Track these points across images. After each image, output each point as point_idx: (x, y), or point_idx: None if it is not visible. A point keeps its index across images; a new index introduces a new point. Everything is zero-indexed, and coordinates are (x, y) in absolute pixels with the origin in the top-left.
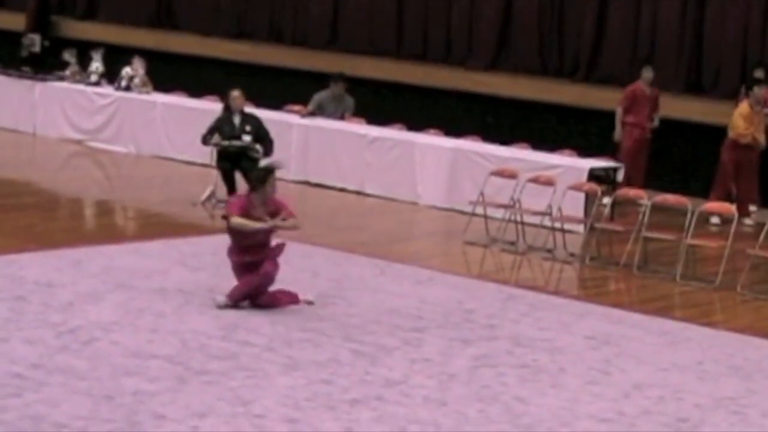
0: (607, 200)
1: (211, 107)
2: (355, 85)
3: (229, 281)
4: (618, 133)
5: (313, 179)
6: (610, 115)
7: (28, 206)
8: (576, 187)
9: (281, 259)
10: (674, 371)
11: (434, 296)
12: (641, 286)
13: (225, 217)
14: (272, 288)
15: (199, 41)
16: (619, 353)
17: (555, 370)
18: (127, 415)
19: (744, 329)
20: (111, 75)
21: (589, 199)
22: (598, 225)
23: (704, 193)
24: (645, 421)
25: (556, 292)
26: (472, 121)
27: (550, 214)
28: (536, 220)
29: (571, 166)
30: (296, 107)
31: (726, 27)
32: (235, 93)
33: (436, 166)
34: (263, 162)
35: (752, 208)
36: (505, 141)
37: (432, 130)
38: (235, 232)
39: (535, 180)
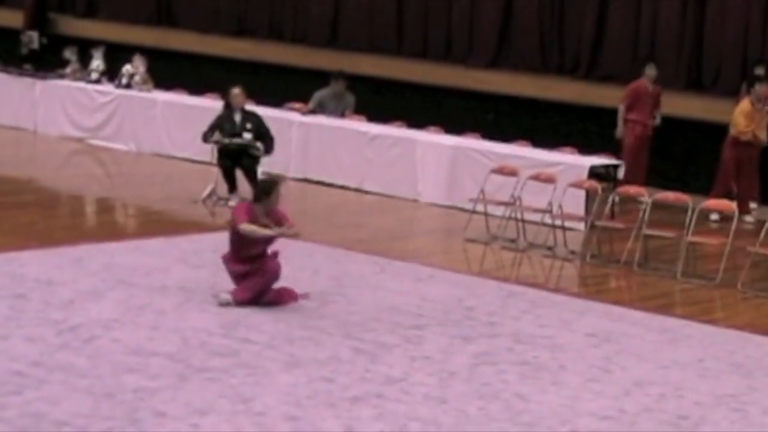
0: (613, 198)
1: (211, 105)
2: (356, 83)
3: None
4: (620, 130)
5: (314, 177)
6: (610, 113)
7: (29, 204)
8: (576, 185)
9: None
10: (675, 368)
11: (435, 293)
12: (642, 284)
13: (233, 225)
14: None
15: (200, 39)
16: (620, 350)
17: (555, 368)
18: (127, 413)
19: (744, 326)
20: (112, 73)
21: (590, 196)
22: (598, 222)
23: (705, 191)
24: (645, 418)
25: (557, 290)
26: (472, 119)
27: (550, 212)
28: (537, 217)
29: (572, 164)
30: (297, 105)
31: (726, 24)
32: (236, 91)
33: (437, 164)
34: (264, 159)
35: (753, 205)
36: (505, 138)
37: (432, 128)
38: (236, 241)
39: (535, 177)
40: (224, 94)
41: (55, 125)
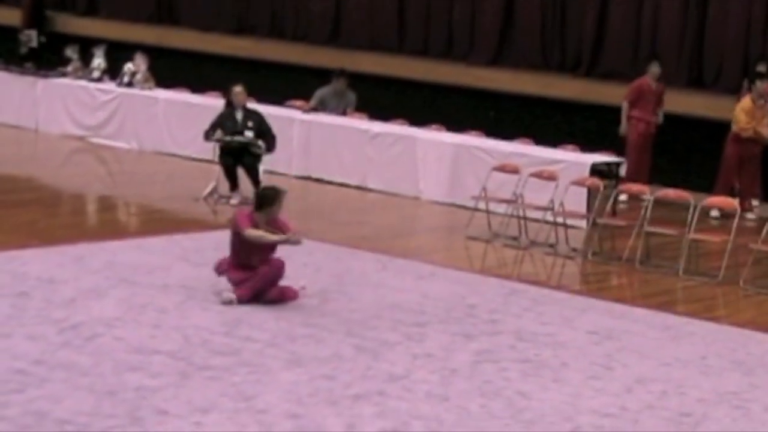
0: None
1: (213, 103)
2: (357, 81)
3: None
4: (624, 127)
5: (315, 174)
6: (612, 110)
7: (30, 202)
8: (578, 182)
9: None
10: (677, 366)
11: (436, 291)
12: (644, 281)
13: (235, 230)
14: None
15: (201, 37)
16: (622, 348)
17: (557, 365)
18: (129, 411)
19: (746, 324)
20: (113, 71)
21: (592, 193)
22: (600, 220)
23: (706, 188)
24: (648, 415)
25: (559, 287)
26: (473, 117)
27: (552, 209)
28: (538, 215)
29: (574, 161)
30: (298, 103)
31: (728, 22)
32: (238, 89)
33: (438, 162)
34: (265, 157)
35: (754, 202)
36: (507, 136)
37: (434, 126)
38: (237, 247)
39: (537, 175)
40: (226, 92)
41: (56, 123)
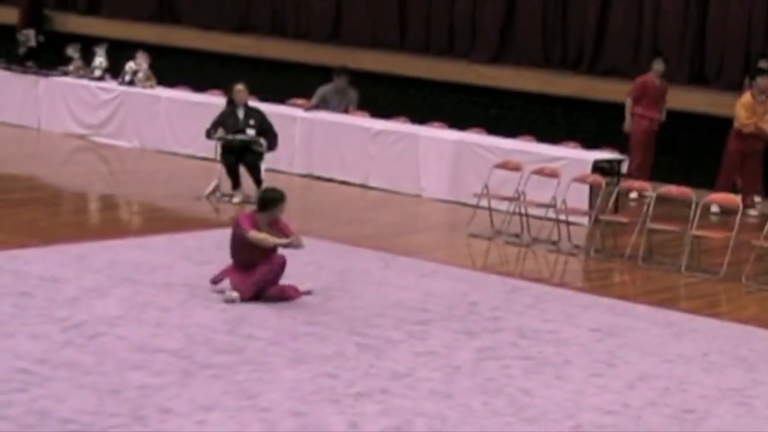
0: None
1: (214, 101)
2: (359, 79)
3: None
4: (628, 124)
5: (317, 172)
6: (613, 107)
7: (32, 201)
8: (580, 179)
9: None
10: (679, 362)
11: (439, 289)
12: (646, 278)
13: (242, 233)
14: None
15: (202, 35)
16: (624, 345)
17: (560, 362)
18: (132, 410)
19: (749, 320)
20: (114, 70)
21: (594, 191)
22: (602, 217)
23: (708, 184)
24: (650, 412)
25: (561, 284)
26: (475, 114)
27: (554, 206)
28: (541, 212)
29: (575, 158)
30: (300, 101)
31: (729, 18)
32: (239, 87)
33: (440, 159)
34: (267, 155)
35: (757, 199)
36: (509, 133)
37: (436, 123)
38: (238, 248)
39: (539, 172)
40: (227, 90)
41: (58, 122)
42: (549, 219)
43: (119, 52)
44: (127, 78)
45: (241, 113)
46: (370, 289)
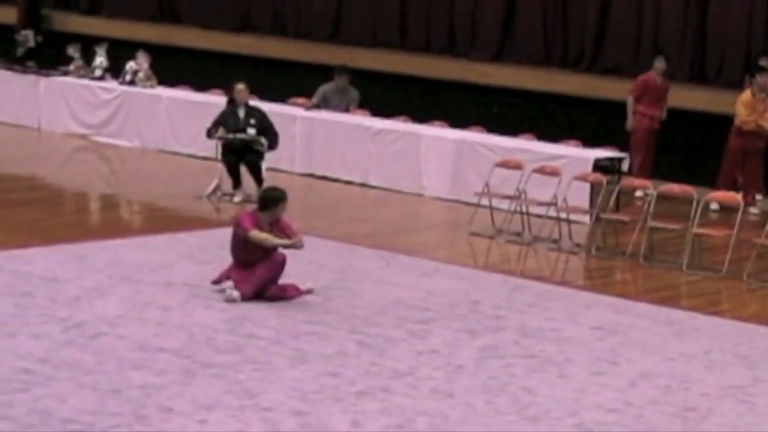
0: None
1: (215, 101)
2: (359, 78)
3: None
4: (630, 122)
5: (318, 172)
6: (614, 105)
7: (33, 201)
8: (581, 178)
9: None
10: (681, 360)
11: (440, 287)
12: (647, 276)
13: (243, 233)
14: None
15: (203, 35)
16: (626, 343)
17: (562, 361)
18: (134, 409)
19: (750, 318)
20: (115, 69)
21: (595, 189)
22: (603, 215)
23: (709, 182)
24: (652, 410)
25: (563, 283)
26: (476, 113)
27: (555, 205)
28: (542, 210)
29: (576, 157)
30: (300, 100)
31: (729, 16)
32: (240, 86)
33: (441, 158)
34: (268, 155)
35: (758, 197)
36: (509, 132)
37: (436, 122)
38: (239, 247)
39: (540, 170)
40: (228, 89)
41: (59, 122)
42: (550, 217)
43: (120, 52)
44: (128, 78)
45: (241, 112)
46: (371, 288)
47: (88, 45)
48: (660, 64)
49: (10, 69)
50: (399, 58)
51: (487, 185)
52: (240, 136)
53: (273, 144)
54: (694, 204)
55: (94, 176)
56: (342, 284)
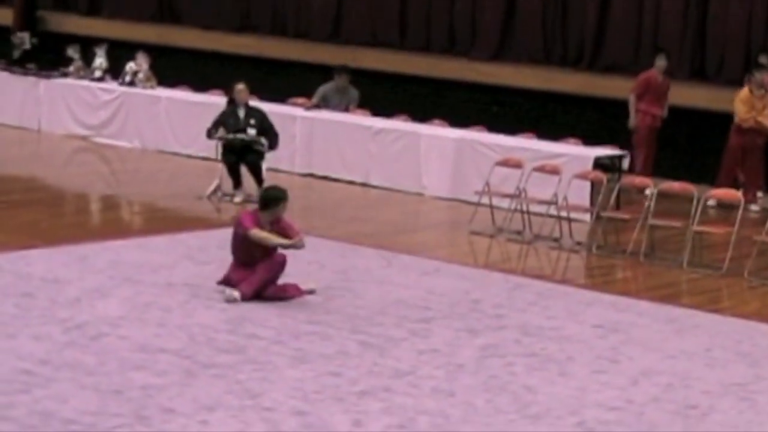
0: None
1: (215, 101)
2: (359, 77)
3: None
4: (633, 120)
5: (318, 171)
6: (614, 104)
7: (34, 202)
8: (582, 176)
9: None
10: (682, 358)
11: (441, 287)
12: (648, 274)
13: (244, 231)
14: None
15: (203, 35)
16: (627, 341)
17: (563, 359)
18: (135, 410)
19: (751, 315)
20: (115, 70)
21: (595, 187)
22: (604, 213)
23: (709, 180)
24: (654, 408)
25: (563, 281)
26: (476, 112)
27: (555, 203)
28: (542, 209)
29: (577, 155)
30: (300, 100)
31: (729, 13)
32: (240, 86)
33: (441, 157)
34: (268, 155)
35: (759, 194)
36: (509, 131)
37: (437, 121)
38: (239, 246)
39: (540, 169)
40: (228, 90)
41: (59, 123)
42: (550, 216)
43: (119, 53)
44: (128, 78)
45: (241, 113)
46: (371, 288)
47: (87, 46)
48: (661, 62)
49: (10, 71)
50: (399, 58)
51: (487, 184)
52: (240, 136)
53: (273, 144)
54: (695, 202)
55: (94, 177)
56: (343, 284)
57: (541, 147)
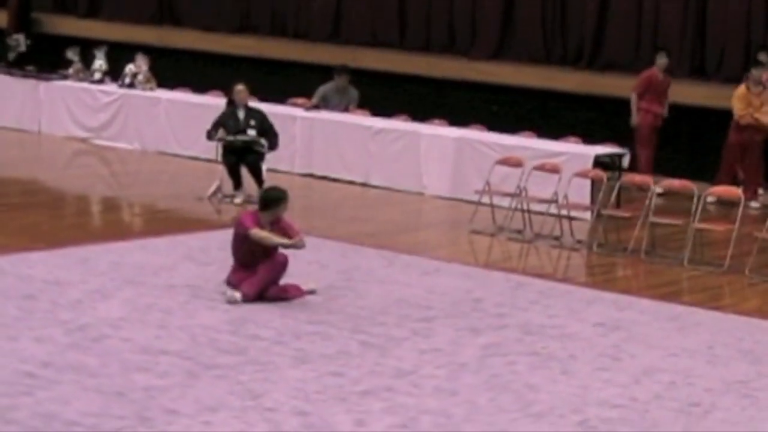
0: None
1: (215, 102)
2: (359, 77)
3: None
4: (635, 118)
5: (318, 172)
6: (614, 102)
7: (35, 205)
8: (582, 174)
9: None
10: (684, 356)
11: (442, 286)
12: (649, 272)
13: (244, 231)
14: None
15: (202, 36)
16: (629, 339)
17: (565, 357)
18: (138, 411)
19: (753, 312)
20: (114, 72)
21: (595, 185)
22: (604, 211)
23: (710, 177)
24: (656, 406)
25: (565, 280)
26: (476, 111)
27: (556, 202)
28: (543, 207)
29: (577, 153)
30: (300, 100)
31: (729, 10)
32: (239, 87)
33: (441, 156)
34: (268, 155)
35: (759, 191)
36: (509, 130)
37: (436, 121)
38: (240, 248)
39: (540, 168)
40: (227, 91)
41: (59, 126)
42: (551, 214)
43: (119, 55)
44: (127, 80)
45: (241, 114)
46: (373, 288)
47: (86, 48)
48: (662, 60)
49: (10, 73)
50: (399, 58)
51: (487, 183)
52: (240, 137)
53: (273, 145)
54: (695, 199)
55: (94, 179)
56: (344, 284)
57: (541, 146)
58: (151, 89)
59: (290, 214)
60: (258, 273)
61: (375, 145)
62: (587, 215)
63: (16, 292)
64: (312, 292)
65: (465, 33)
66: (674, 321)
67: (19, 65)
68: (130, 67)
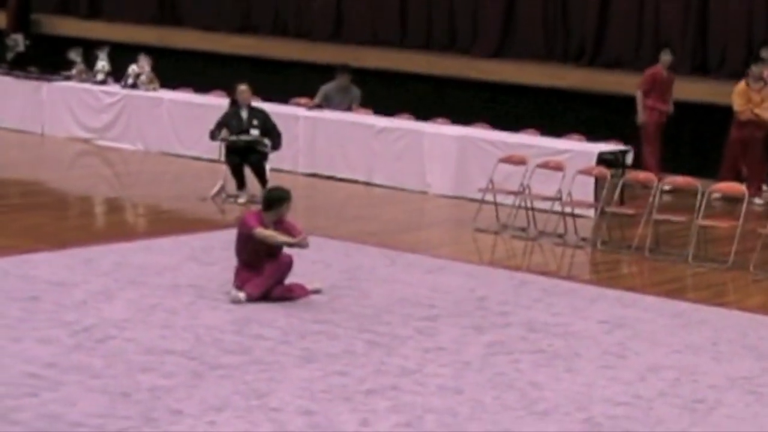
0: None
1: (218, 102)
2: (361, 76)
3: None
4: (641, 116)
5: (322, 171)
6: (617, 99)
7: (38, 206)
8: (585, 172)
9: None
10: (688, 353)
11: (446, 284)
12: (653, 269)
13: (248, 230)
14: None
15: (204, 37)
16: (633, 336)
17: (569, 355)
18: (143, 412)
19: (757, 309)
20: (117, 73)
21: (599, 183)
22: (608, 209)
23: (713, 174)
24: (661, 403)
25: (569, 277)
26: (478, 109)
27: (560, 199)
28: (546, 205)
29: (580, 151)
30: (303, 100)
31: (730, 7)
32: (242, 87)
33: (445, 155)
34: (271, 155)
35: (764, 187)
36: (512, 127)
37: (439, 119)
38: (243, 248)
39: (544, 165)
40: (230, 91)
41: (62, 127)
42: (555, 212)
43: (121, 55)
44: (130, 81)
45: (244, 114)
46: (377, 287)
47: (88, 49)
48: (666, 57)
49: (12, 75)
50: (400, 56)
51: (491, 181)
52: (243, 137)
53: (276, 144)
54: (699, 196)
55: (98, 180)
56: (348, 283)
57: (544, 143)
58: (154, 90)
59: (294, 214)
60: (264, 273)
61: (378, 144)
62: (591, 213)
63: (20, 293)
64: (317, 291)
65: (466, 31)
66: (678, 318)
67: (18, 65)
68: (133, 68)
